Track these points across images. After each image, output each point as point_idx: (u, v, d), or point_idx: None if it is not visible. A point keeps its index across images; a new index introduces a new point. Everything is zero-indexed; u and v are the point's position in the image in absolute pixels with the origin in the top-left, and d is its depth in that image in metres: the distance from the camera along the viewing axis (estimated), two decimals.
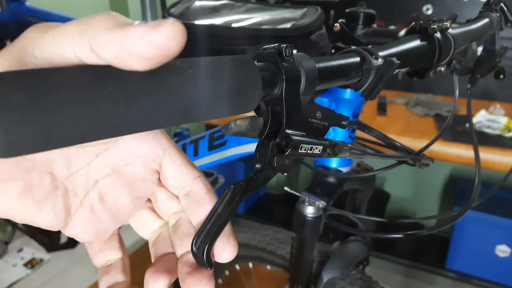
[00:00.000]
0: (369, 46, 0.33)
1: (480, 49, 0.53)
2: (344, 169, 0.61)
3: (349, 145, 0.31)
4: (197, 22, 0.52)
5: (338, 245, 0.71)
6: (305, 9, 0.57)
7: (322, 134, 0.29)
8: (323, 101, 0.56)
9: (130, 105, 0.17)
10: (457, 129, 1.32)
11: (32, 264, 1.75)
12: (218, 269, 0.96)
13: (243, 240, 0.85)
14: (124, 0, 2.02)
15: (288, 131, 0.25)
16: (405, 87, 1.83)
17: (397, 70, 0.35)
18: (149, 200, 0.27)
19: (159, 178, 0.26)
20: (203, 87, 0.19)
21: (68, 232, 0.23)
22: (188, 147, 0.80)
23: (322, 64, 0.26)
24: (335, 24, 0.50)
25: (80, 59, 0.17)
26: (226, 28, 0.51)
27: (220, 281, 0.99)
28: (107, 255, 0.25)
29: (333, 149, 0.28)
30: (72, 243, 1.47)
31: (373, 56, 0.30)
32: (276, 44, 0.23)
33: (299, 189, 0.61)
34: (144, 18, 1.29)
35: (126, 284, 0.25)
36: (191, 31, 0.51)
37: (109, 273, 0.25)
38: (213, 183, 1.27)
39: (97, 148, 0.23)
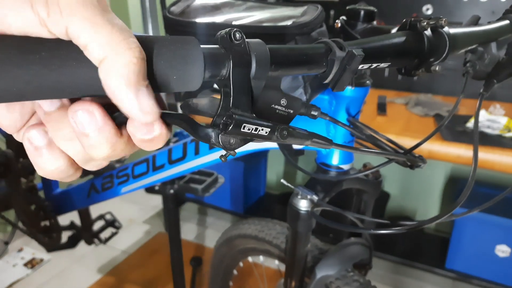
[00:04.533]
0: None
1: (502, 53, 0.49)
2: (345, 167, 0.61)
3: (312, 134, 0.31)
4: (197, 20, 0.52)
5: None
6: (306, 7, 0.57)
7: (286, 121, 0.30)
8: (323, 98, 0.56)
9: (63, 71, 0.19)
10: (457, 129, 1.32)
11: (32, 264, 1.75)
12: (235, 259, 0.98)
13: (253, 233, 0.86)
14: (124, 0, 2.02)
15: (235, 111, 0.26)
16: (405, 87, 1.83)
17: (375, 65, 0.35)
18: None
19: None
20: None
21: None
22: (189, 146, 0.80)
23: (277, 51, 0.27)
24: (336, 21, 0.50)
25: (37, 24, 0.19)
26: (226, 26, 0.51)
27: (235, 272, 1.01)
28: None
29: (281, 132, 0.28)
30: (72, 243, 1.46)
31: (342, 49, 0.31)
32: (229, 29, 0.25)
33: None
34: (144, 18, 1.30)
35: None
36: (192, 29, 0.51)
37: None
38: (213, 182, 1.27)
39: None
